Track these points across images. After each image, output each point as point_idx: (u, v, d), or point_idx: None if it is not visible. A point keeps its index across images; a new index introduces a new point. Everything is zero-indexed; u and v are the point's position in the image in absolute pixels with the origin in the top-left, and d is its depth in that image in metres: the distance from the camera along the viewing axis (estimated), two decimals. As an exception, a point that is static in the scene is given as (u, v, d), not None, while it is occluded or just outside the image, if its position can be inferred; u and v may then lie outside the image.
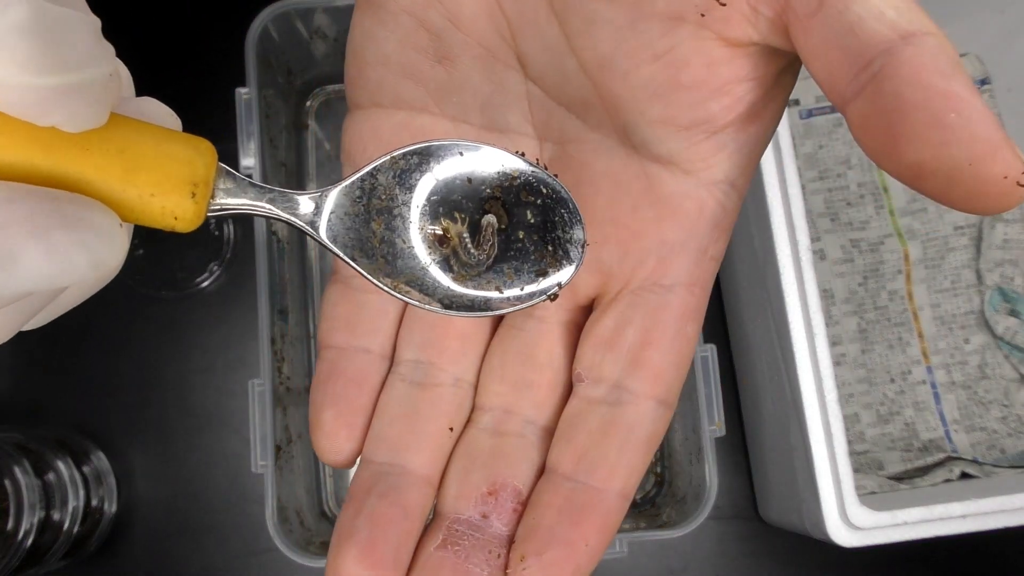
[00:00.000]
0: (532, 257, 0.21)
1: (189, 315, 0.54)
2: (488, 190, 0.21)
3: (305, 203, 0.20)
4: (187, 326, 0.54)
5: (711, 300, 0.53)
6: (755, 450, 0.51)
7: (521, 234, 0.21)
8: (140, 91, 0.21)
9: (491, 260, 0.21)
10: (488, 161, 0.21)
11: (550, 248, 0.21)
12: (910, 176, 0.18)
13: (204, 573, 0.51)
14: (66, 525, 0.48)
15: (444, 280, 0.21)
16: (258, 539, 0.51)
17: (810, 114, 0.56)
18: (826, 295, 0.53)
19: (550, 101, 0.25)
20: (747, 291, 0.48)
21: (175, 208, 0.18)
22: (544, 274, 0.21)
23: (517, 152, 0.21)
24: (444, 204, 0.21)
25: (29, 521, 0.45)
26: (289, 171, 0.53)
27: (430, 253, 0.21)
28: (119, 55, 0.18)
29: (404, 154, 0.20)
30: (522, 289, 0.21)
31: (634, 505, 0.52)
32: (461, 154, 0.21)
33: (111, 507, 0.51)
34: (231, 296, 0.55)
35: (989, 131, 0.17)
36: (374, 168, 0.20)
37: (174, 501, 0.52)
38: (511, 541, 0.24)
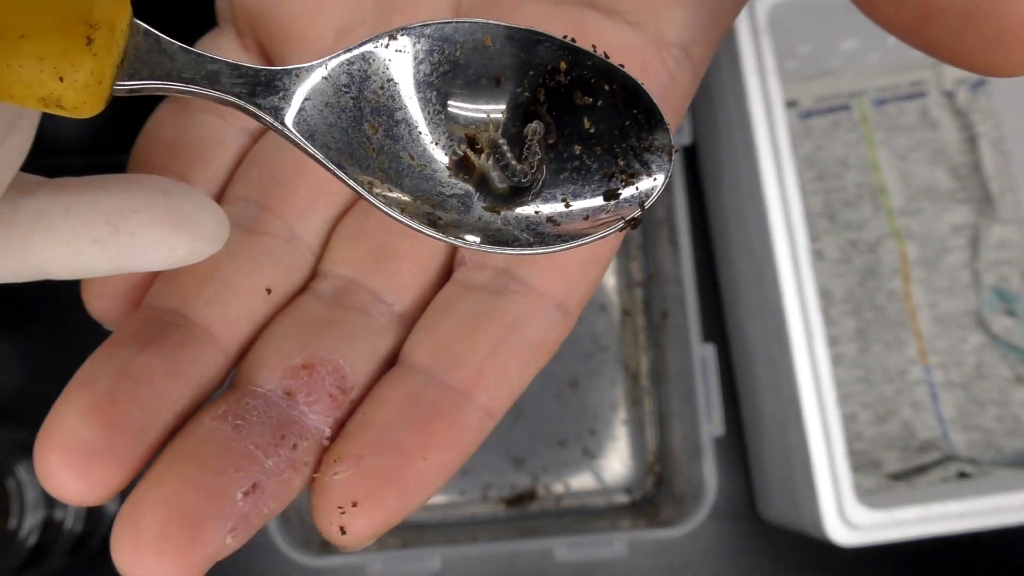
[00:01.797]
0: (596, 176, 0.15)
1: (190, 315, 0.54)
2: (528, 92, 0.15)
3: (269, 83, 0.14)
4: (188, 326, 0.54)
5: (710, 299, 0.54)
6: (754, 449, 0.51)
7: (577, 148, 0.16)
8: None
9: (538, 181, 0.16)
10: (527, 50, 0.15)
11: (620, 162, 0.15)
12: (914, 19, 0.15)
13: (205, 572, 0.51)
14: (68, 524, 0.48)
15: (474, 208, 0.15)
16: (258, 538, 0.52)
17: (808, 115, 0.56)
18: (824, 295, 0.54)
19: None
20: (746, 291, 0.48)
21: (61, 62, 0.12)
22: (615, 196, 0.15)
23: (566, 36, 0.15)
24: (466, 111, 0.15)
25: (31, 520, 0.45)
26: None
27: (450, 173, 0.15)
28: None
29: (407, 33, 0.15)
30: (586, 218, 0.15)
31: (633, 504, 0.52)
32: (487, 41, 0.15)
33: (113, 506, 0.51)
34: (232, 296, 0.55)
35: None
36: (367, 48, 0.15)
37: (175, 500, 0.52)
38: (318, 438, 0.18)
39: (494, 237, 0.15)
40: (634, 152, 0.15)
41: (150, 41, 0.14)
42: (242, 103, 0.14)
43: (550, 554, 0.45)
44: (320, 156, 0.14)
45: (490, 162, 0.15)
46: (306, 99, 0.14)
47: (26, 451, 0.47)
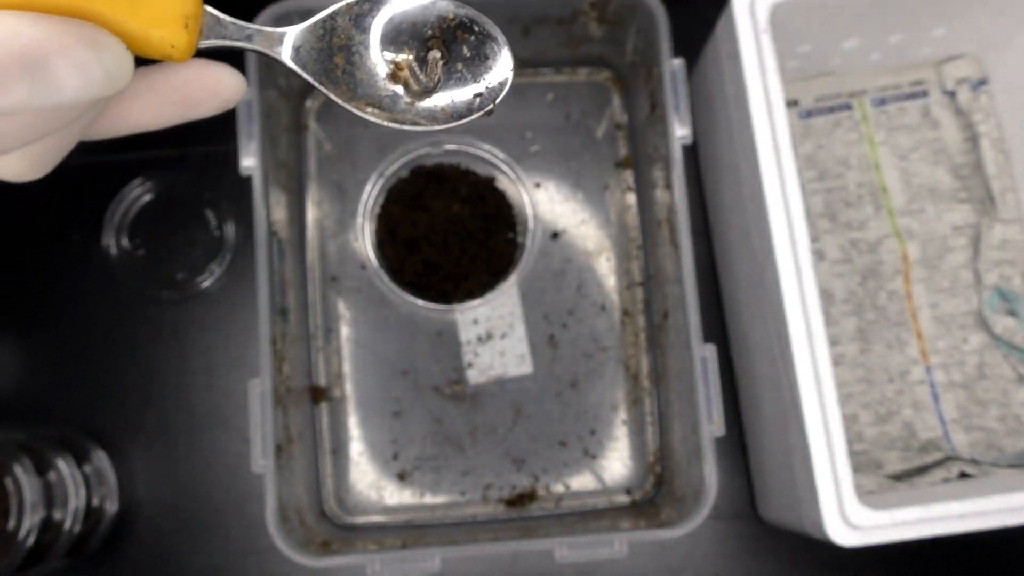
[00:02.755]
0: (470, 83, 0.25)
1: (190, 315, 0.54)
2: (430, 31, 0.25)
3: (280, 39, 0.24)
4: (188, 326, 0.54)
5: (710, 299, 0.54)
6: (754, 450, 0.51)
7: (460, 65, 0.25)
8: None
9: (437, 87, 0.25)
10: (429, 6, 0.25)
11: (484, 75, 0.25)
12: None
13: (204, 572, 0.51)
14: (67, 524, 0.48)
15: (400, 101, 0.25)
16: (258, 538, 0.52)
17: (809, 114, 0.56)
18: (825, 295, 0.54)
19: None
20: (746, 291, 0.48)
21: (172, 37, 0.21)
22: (480, 95, 0.25)
23: None
24: (394, 43, 0.25)
25: (31, 520, 0.45)
26: (290, 171, 0.53)
27: (386, 82, 0.25)
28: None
29: (357, 1, 0.24)
30: (464, 107, 0.25)
31: (634, 504, 0.52)
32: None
33: (112, 506, 0.51)
34: (231, 296, 0.55)
35: None
36: (333, 12, 0.24)
37: (175, 500, 0.52)
38: None
39: (411, 119, 0.25)
40: (490, 69, 0.25)
41: (213, 19, 0.23)
42: (266, 51, 0.24)
43: (550, 554, 0.45)
44: (312, 79, 0.24)
45: (407, 77, 0.24)
46: (298, 45, 0.24)
47: (25, 451, 0.47)
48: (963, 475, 0.50)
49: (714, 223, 0.54)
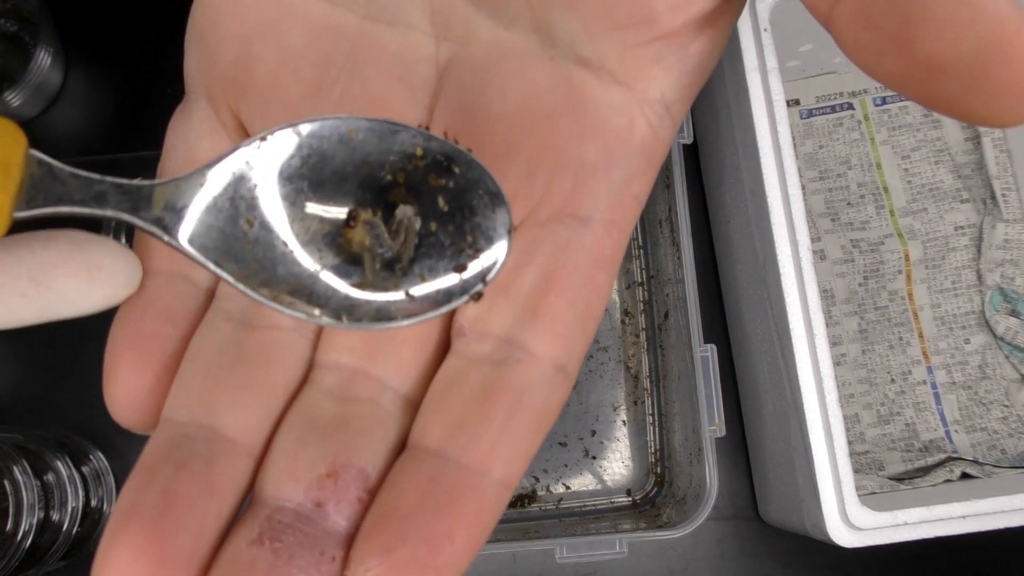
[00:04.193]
0: (448, 252, 0.17)
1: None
2: (389, 176, 0.17)
3: (150, 197, 0.16)
4: (187, 326, 0.54)
5: (711, 299, 0.53)
6: (755, 450, 0.51)
7: (433, 225, 0.17)
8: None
9: (404, 258, 0.17)
10: (385, 138, 0.17)
11: (469, 239, 0.17)
12: (921, 75, 0.15)
13: (203, 573, 0.51)
14: (65, 525, 0.48)
15: (340, 286, 0.17)
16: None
17: (810, 114, 0.56)
18: (826, 295, 0.53)
19: None
20: (747, 291, 0.48)
21: None
22: (463, 268, 0.17)
23: (420, 126, 0.18)
24: (334, 196, 0.17)
25: (28, 521, 0.45)
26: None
27: (321, 255, 0.17)
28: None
29: (277, 134, 0.16)
30: (439, 291, 0.17)
31: (634, 505, 0.52)
32: (351, 133, 0.17)
33: (110, 507, 0.51)
34: (231, 296, 0.54)
35: None
36: (239, 153, 0.16)
37: (173, 501, 0.52)
38: (351, 540, 0.18)
39: (358, 313, 0.17)
40: (480, 229, 0.17)
41: (43, 169, 0.15)
42: (129, 218, 0.16)
43: (550, 555, 0.45)
44: (205, 261, 0.16)
45: (364, 241, 0.17)
46: (184, 207, 0.16)
47: (23, 453, 0.47)
48: (965, 476, 0.49)
49: (715, 223, 0.54)
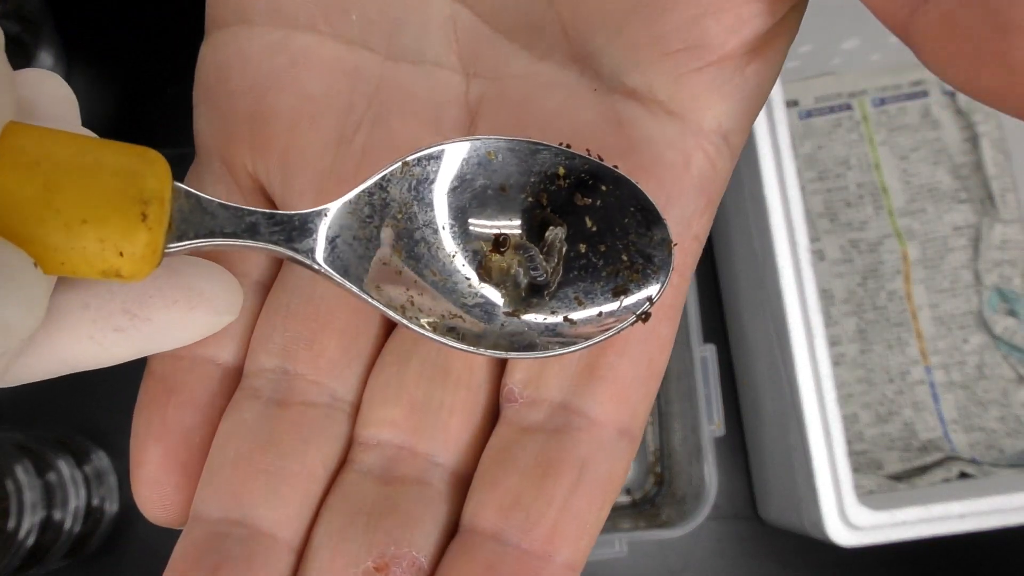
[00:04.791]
0: (603, 273, 0.16)
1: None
2: (530, 198, 0.16)
3: (303, 227, 0.15)
4: (188, 326, 0.54)
5: (710, 299, 0.53)
6: (754, 450, 0.51)
7: (583, 247, 0.16)
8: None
9: (554, 280, 0.16)
10: (525, 159, 0.16)
11: (625, 258, 0.16)
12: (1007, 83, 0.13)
13: (205, 573, 0.51)
14: (67, 525, 0.48)
15: (495, 314, 0.16)
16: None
17: (809, 115, 0.56)
18: (825, 295, 0.54)
19: (484, 25, 0.19)
20: (746, 291, 0.48)
21: (120, 240, 0.13)
22: (624, 291, 0.16)
23: (561, 143, 0.16)
24: (476, 221, 0.16)
25: (30, 521, 0.45)
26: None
27: (469, 282, 0.16)
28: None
29: (419, 159, 0.16)
30: (599, 315, 0.16)
31: (633, 505, 0.52)
32: (490, 156, 0.16)
33: (112, 506, 0.51)
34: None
35: None
36: (382, 178, 0.16)
37: (175, 501, 0.52)
38: None
39: (518, 344, 0.16)
40: (636, 248, 0.16)
41: (191, 202, 0.14)
42: (283, 250, 0.15)
43: (550, 555, 0.45)
44: (358, 291, 0.15)
45: (509, 267, 0.16)
46: (336, 236, 0.15)
47: (25, 452, 0.47)
48: (963, 475, 0.50)
49: (714, 223, 0.54)
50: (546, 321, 0.16)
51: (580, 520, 0.16)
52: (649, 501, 0.52)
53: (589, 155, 0.16)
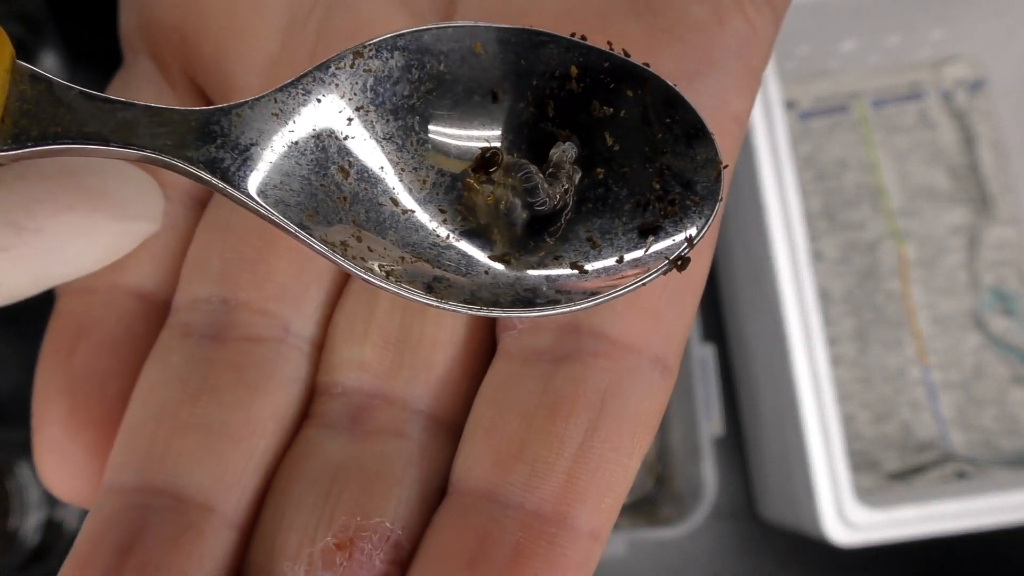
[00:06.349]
0: (627, 207, 0.12)
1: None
2: (532, 108, 0.12)
3: (201, 129, 0.11)
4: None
5: (709, 299, 0.54)
6: (753, 449, 0.51)
7: (600, 172, 0.12)
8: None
9: (564, 215, 0.12)
10: (525, 53, 0.12)
11: (656, 185, 0.12)
12: None
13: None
14: (69, 524, 0.48)
15: (479, 259, 0.12)
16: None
17: (808, 115, 0.56)
18: (823, 295, 0.54)
19: None
20: (745, 291, 0.48)
21: None
22: (655, 229, 0.12)
23: (574, 35, 0.12)
24: (457, 135, 0.12)
25: (32, 520, 0.45)
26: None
27: (445, 217, 0.12)
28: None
29: (378, 47, 0.12)
30: (620, 260, 0.12)
31: (633, 504, 0.52)
32: (477, 48, 0.12)
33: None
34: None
35: None
36: (326, 71, 0.12)
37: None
38: None
39: (508, 295, 0.11)
40: (671, 172, 0.12)
41: (40, 89, 0.10)
42: (168, 159, 0.11)
43: (550, 554, 0.45)
44: (276, 217, 0.11)
45: (502, 195, 0.12)
46: (252, 144, 0.11)
47: (27, 451, 0.47)
48: (960, 474, 0.50)
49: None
50: (547, 273, 0.12)
51: (602, 471, 0.12)
52: (648, 500, 0.52)
53: (611, 50, 0.12)
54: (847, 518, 0.39)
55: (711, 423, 0.45)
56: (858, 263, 0.54)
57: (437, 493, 0.14)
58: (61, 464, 0.14)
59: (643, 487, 0.53)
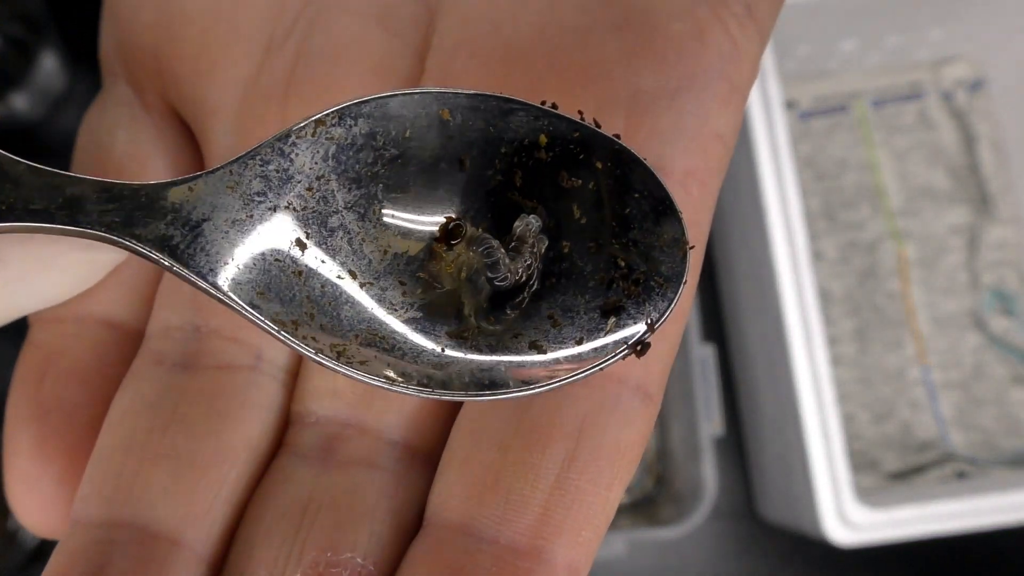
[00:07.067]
0: (591, 284, 0.12)
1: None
2: (499, 175, 0.12)
3: (151, 205, 0.11)
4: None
5: (709, 299, 0.54)
6: (753, 449, 0.51)
7: (565, 245, 0.12)
8: None
9: (528, 292, 0.12)
10: (493, 121, 0.11)
11: (621, 262, 0.12)
12: None
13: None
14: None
15: (435, 335, 0.11)
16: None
17: (808, 115, 0.56)
18: (823, 295, 0.54)
19: None
20: (745, 291, 0.48)
21: None
22: (617, 310, 0.11)
23: (544, 103, 0.12)
24: (421, 206, 0.12)
25: (33, 520, 0.45)
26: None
27: (404, 291, 0.11)
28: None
29: (340, 114, 0.11)
30: (579, 340, 0.12)
31: (633, 504, 0.52)
32: (444, 115, 0.11)
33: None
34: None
35: None
36: (285, 139, 0.11)
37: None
38: None
39: (462, 378, 0.11)
40: (638, 250, 0.11)
41: None
42: (116, 237, 0.10)
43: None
44: (225, 297, 0.11)
45: (464, 268, 0.11)
46: (204, 219, 0.10)
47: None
48: (960, 474, 0.50)
49: (713, 223, 0.55)
50: (503, 359, 0.11)
51: (579, 503, 0.12)
52: (648, 500, 0.52)
53: (582, 119, 0.12)
54: (847, 518, 0.39)
55: (711, 423, 0.45)
56: (858, 263, 0.54)
57: (412, 525, 0.13)
58: (31, 495, 0.14)
59: (643, 487, 0.53)
